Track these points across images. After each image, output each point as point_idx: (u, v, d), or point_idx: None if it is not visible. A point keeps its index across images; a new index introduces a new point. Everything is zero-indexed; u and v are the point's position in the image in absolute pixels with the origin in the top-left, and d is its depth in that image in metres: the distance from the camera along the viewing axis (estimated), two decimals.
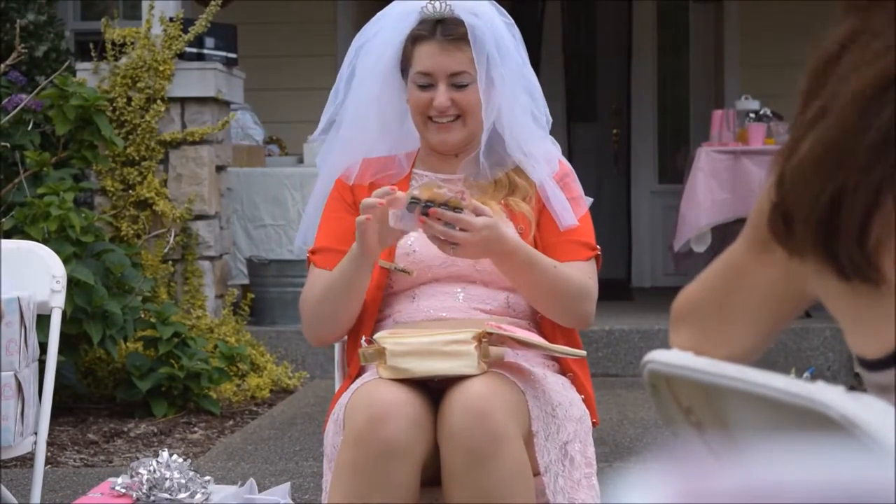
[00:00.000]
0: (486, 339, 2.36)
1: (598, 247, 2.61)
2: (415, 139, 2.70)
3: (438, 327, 2.44)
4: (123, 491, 2.81)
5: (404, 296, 2.57)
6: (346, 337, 2.65)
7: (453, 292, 2.55)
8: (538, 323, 2.59)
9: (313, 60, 8.43)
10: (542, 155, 2.62)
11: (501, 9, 2.65)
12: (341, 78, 2.71)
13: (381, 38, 2.63)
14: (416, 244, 2.55)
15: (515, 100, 2.61)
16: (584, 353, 2.48)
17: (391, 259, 2.55)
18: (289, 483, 3.06)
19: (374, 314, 2.57)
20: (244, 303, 6.39)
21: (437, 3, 2.58)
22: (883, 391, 1.18)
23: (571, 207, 2.59)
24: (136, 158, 6.06)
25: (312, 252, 2.62)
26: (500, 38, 2.59)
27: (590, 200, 2.65)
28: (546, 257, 2.50)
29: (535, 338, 2.44)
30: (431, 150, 2.66)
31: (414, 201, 2.33)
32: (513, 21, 2.65)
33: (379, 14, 2.68)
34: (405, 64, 2.61)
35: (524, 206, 2.58)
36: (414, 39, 2.59)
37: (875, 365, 1.20)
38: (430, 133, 2.60)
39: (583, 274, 2.54)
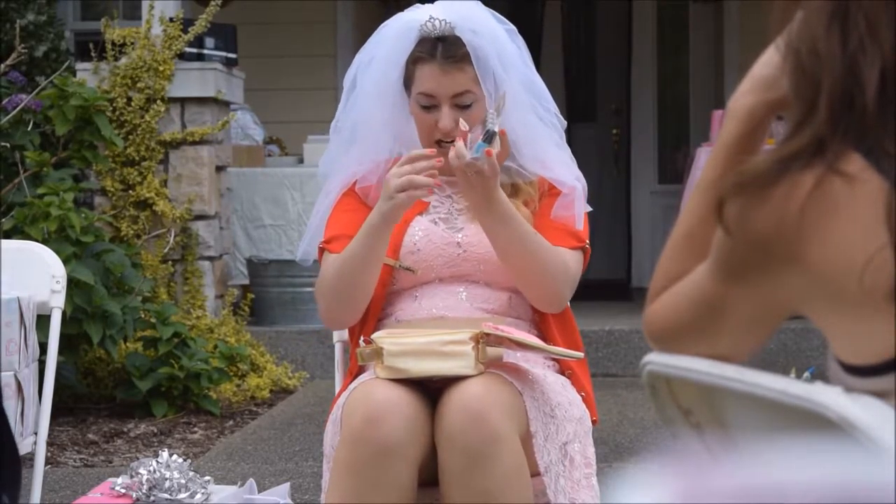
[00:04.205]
0: (484, 340, 2.36)
1: (587, 242, 2.59)
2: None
3: (437, 327, 2.44)
4: (123, 491, 2.81)
5: (407, 294, 2.57)
6: (347, 336, 2.65)
7: (456, 291, 2.54)
8: (538, 324, 2.59)
9: (313, 60, 8.42)
10: (561, 167, 2.60)
11: (501, 17, 2.59)
12: (345, 95, 2.65)
13: (381, 56, 2.57)
14: (420, 243, 2.55)
15: (525, 111, 2.57)
16: (580, 354, 2.48)
17: (396, 257, 2.54)
18: (288, 483, 3.06)
19: (376, 312, 2.57)
20: (244, 303, 6.39)
21: (437, 21, 2.51)
22: (877, 397, 1.18)
23: (571, 211, 2.57)
24: (136, 158, 6.05)
25: (326, 241, 2.57)
26: (502, 50, 2.54)
27: (588, 208, 2.63)
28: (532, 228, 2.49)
29: (531, 339, 2.44)
30: None
31: (490, 132, 2.37)
32: (514, 28, 2.60)
33: (378, 31, 2.61)
34: (407, 82, 2.56)
35: (524, 210, 2.56)
36: (415, 60, 2.53)
37: (869, 371, 1.20)
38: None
39: (567, 257, 2.52)
